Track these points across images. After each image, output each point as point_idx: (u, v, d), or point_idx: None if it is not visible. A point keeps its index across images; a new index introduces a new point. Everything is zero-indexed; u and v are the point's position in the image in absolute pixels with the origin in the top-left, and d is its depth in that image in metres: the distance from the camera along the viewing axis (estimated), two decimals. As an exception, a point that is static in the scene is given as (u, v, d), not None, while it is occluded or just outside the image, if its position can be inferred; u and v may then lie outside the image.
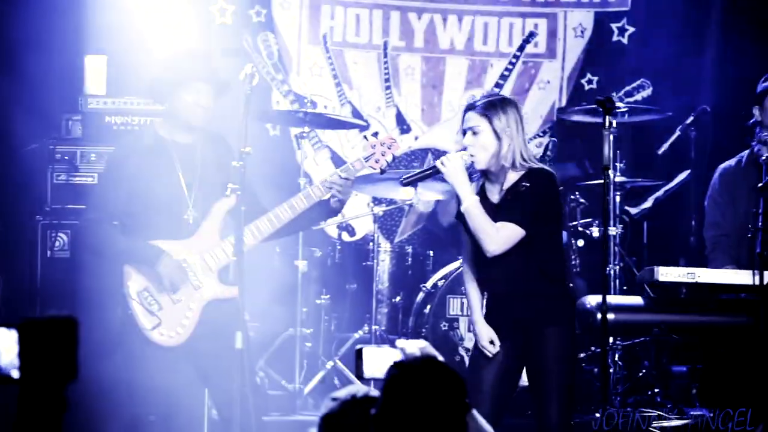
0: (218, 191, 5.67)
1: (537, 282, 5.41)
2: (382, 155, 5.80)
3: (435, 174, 5.52)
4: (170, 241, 5.66)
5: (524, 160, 5.43)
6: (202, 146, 5.82)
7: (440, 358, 3.40)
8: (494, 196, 5.48)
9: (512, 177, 5.44)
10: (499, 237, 5.33)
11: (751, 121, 7.31)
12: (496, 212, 5.38)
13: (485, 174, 5.48)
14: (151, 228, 5.66)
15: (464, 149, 5.46)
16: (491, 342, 5.45)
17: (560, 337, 5.41)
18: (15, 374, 2.40)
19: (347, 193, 5.77)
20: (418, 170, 5.68)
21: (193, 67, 5.76)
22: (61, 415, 2.39)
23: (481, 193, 5.50)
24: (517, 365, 5.51)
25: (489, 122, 5.40)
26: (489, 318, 5.51)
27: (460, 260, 7.72)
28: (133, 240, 5.66)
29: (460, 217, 5.51)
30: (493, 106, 5.43)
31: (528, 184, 5.39)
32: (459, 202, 5.46)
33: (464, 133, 5.47)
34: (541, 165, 5.50)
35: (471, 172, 5.52)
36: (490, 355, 5.44)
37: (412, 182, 5.68)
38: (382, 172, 5.92)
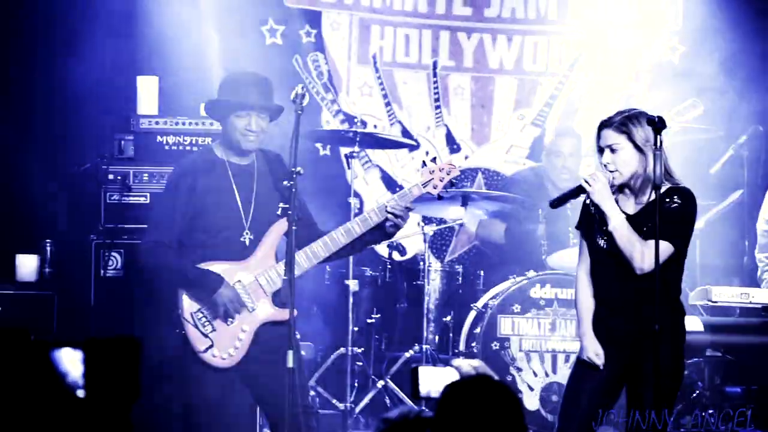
0: (275, 212, 5.68)
1: (660, 300, 5.32)
2: (441, 181, 5.80)
3: (581, 193, 5.42)
4: (226, 262, 5.69)
5: (669, 174, 5.35)
6: (258, 167, 5.84)
7: (495, 377, 3.38)
8: (629, 208, 5.38)
9: (653, 195, 5.34)
10: (651, 255, 5.20)
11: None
12: (630, 224, 5.30)
13: (620, 186, 5.37)
14: (207, 248, 5.69)
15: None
16: (597, 355, 5.40)
17: (671, 356, 5.32)
18: (80, 393, 2.40)
19: (405, 218, 5.77)
20: (564, 192, 5.53)
21: (246, 94, 5.78)
22: None
23: None
24: (619, 380, 5.44)
25: (629, 137, 5.31)
26: (600, 330, 5.42)
27: (511, 279, 7.73)
28: (191, 265, 5.68)
29: (582, 227, 5.46)
30: (631, 120, 5.33)
31: (679, 202, 5.28)
32: (597, 221, 5.37)
33: (600, 151, 5.37)
34: (683, 183, 5.40)
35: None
36: (599, 365, 5.38)
37: (561, 203, 5.58)
38: (440, 198, 5.92)
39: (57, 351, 2.44)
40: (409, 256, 8.66)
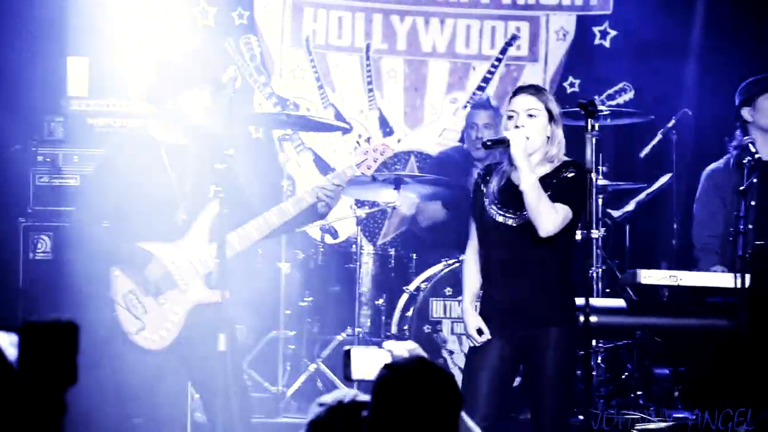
0: (209, 193, 5.64)
1: (553, 278, 5.34)
2: (374, 161, 5.80)
3: (504, 144, 5.31)
4: (159, 243, 5.66)
5: (560, 152, 5.38)
6: (194, 147, 5.81)
7: (428, 358, 3.39)
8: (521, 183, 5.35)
9: (545, 168, 5.37)
10: (557, 217, 5.23)
11: (739, 123, 7.35)
12: (521, 198, 5.31)
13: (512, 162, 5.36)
14: (140, 229, 5.65)
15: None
16: (479, 332, 5.38)
17: (564, 337, 5.34)
18: (14, 377, 2.39)
19: (337, 198, 5.77)
20: (497, 138, 5.39)
21: (194, 69, 5.75)
22: (60, 418, 2.39)
23: (507, 181, 5.41)
24: (513, 364, 5.44)
25: (545, 105, 5.34)
26: (491, 310, 5.42)
27: (443, 262, 7.76)
28: (121, 242, 5.65)
29: (473, 207, 5.46)
30: (546, 91, 5.37)
31: (574, 173, 5.31)
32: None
33: (509, 116, 5.33)
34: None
35: (499, 162, 5.47)
36: (477, 344, 5.37)
37: (492, 147, 5.41)
38: (374, 178, 5.93)
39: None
40: (341, 239, 8.66)
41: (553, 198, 5.24)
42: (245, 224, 5.71)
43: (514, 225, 5.34)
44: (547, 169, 5.35)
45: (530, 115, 5.30)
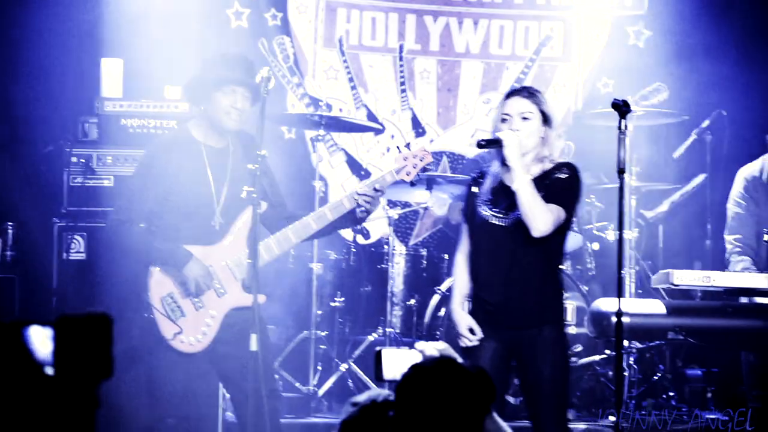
0: (242, 194, 5.65)
1: (544, 278, 5.34)
2: (414, 167, 5.79)
3: (498, 145, 5.34)
4: (197, 246, 5.67)
5: (553, 153, 5.39)
6: (233, 150, 5.82)
7: (459, 359, 3.39)
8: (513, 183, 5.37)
9: (539, 169, 5.37)
10: (550, 218, 5.21)
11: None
12: (513, 198, 5.30)
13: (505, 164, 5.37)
14: (177, 231, 5.67)
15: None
16: (471, 331, 5.39)
17: (555, 335, 5.34)
18: (49, 371, 2.40)
19: (376, 205, 5.77)
20: (490, 138, 5.41)
21: (229, 71, 5.76)
22: (94, 413, 2.40)
23: (500, 182, 5.41)
24: (506, 363, 5.40)
25: (538, 108, 5.35)
26: (482, 310, 5.39)
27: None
28: (160, 241, 5.67)
29: (465, 210, 5.48)
30: (539, 93, 5.38)
31: (568, 174, 5.30)
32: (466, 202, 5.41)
33: (503, 119, 5.37)
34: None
35: (486, 168, 5.49)
36: (470, 344, 5.36)
37: (485, 147, 5.44)
38: (413, 184, 5.93)
39: (27, 329, 2.43)
40: (373, 239, 8.66)
41: (546, 199, 5.24)
42: (284, 228, 5.72)
43: (506, 225, 5.34)
44: (540, 170, 5.36)
45: (524, 118, 5.32)
